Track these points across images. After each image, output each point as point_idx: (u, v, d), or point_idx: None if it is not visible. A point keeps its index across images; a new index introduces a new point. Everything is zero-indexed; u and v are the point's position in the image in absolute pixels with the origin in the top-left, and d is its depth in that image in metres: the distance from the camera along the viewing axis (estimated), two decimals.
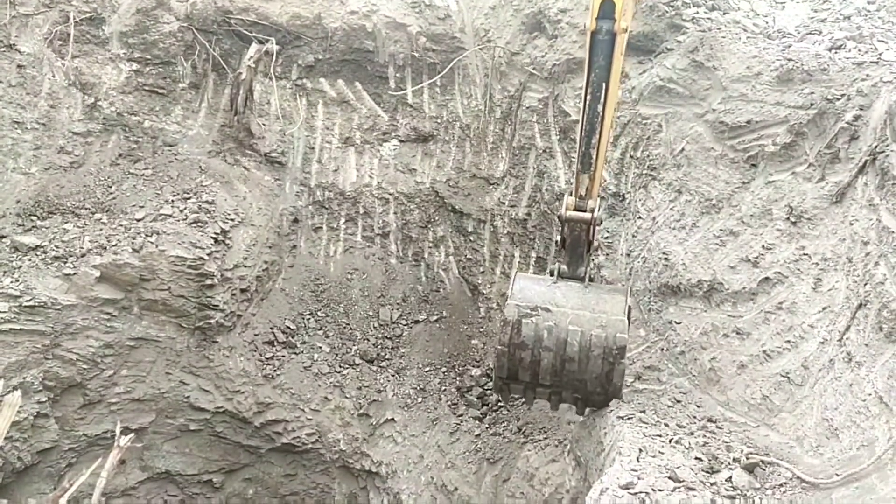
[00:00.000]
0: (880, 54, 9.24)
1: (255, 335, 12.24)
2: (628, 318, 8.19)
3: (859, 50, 9.51)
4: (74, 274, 10.88)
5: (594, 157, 7.95)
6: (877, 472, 6.32)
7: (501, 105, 12.81)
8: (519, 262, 12.56)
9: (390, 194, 13.32)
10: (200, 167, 12.47)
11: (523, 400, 9.61)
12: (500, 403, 11.89)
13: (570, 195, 8.29)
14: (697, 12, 11.05)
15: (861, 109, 8.31)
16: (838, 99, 8.59)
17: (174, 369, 11.72)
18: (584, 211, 8.18)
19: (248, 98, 12.49)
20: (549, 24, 12.19)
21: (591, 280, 8.54)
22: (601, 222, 8.36)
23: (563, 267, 8.60)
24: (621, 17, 7.41)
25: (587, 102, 7.77)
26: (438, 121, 13.21)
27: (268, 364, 12.09)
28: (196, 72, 12.73)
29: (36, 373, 10.67)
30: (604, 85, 7.65)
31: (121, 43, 12.32)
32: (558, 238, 8.66)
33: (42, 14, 11.71)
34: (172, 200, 11.82)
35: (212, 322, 11.65)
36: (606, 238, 10.96)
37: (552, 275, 8.59)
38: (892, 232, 7.30)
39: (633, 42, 11.04)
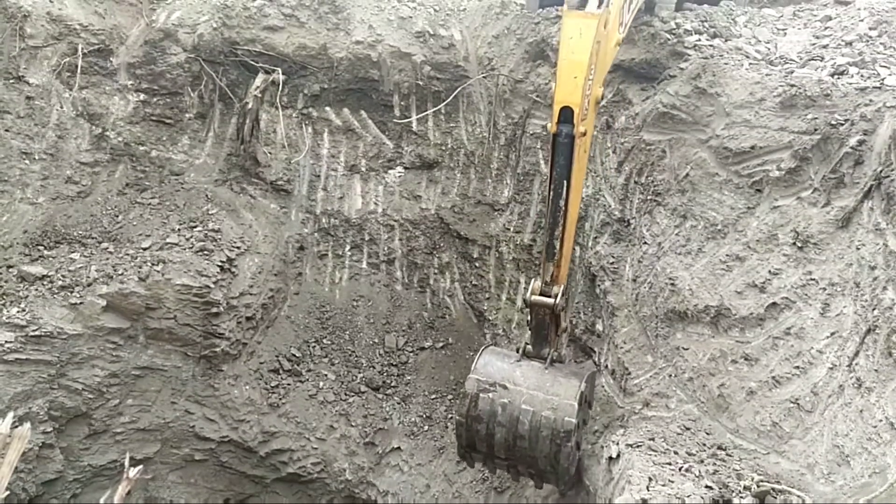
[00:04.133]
0: (883, 79, 9.27)
1: (261, 363, 12.21)
2: (581, 403, 8.54)
3: (862, 75, 9.54)
4: (81, 303, 10.89)
5: (558, 247, 8.35)
6: (890, 500, 6.25)
7: (505, 132, 12.88)
8: (524, 287, 12.53)
9: (395, 221, 13.36)
10: (207, 196, 12.54)
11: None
12: None
13: (536, 280, 8.65)
14: (699, 39, 11.12)
15: (865, 134, 8.33)
16: (842, 124, 8.61)
17: (179, 398, 11.68)
18: (549, 296, 8.51)
19: (255, 127, 12.60)
20: (551, 53, 12.27)
21: (555, 362, 8.86)
22: (563, 309, 8.70)
23: (529, 347, 8.97)
24: (579, 123, 7.78)
25: (550, 197, 8.18)
26: (443, 148, 13.28)
27: (273, 392, 12.04)
28: (203, 102, 12.87)
29: (41, 403, 10.64)
30: (564, 182, 8.05)
31: (128, 74, 12.47)
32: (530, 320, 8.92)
33: (51, 46, 11.85)
34: (179, 229, 11.87)
35: (217, 350, 11.63)
36: (612, 263, 10.93)
37: (518, 352, 9.02)
38: None
39: (637, 69, 11.17)
